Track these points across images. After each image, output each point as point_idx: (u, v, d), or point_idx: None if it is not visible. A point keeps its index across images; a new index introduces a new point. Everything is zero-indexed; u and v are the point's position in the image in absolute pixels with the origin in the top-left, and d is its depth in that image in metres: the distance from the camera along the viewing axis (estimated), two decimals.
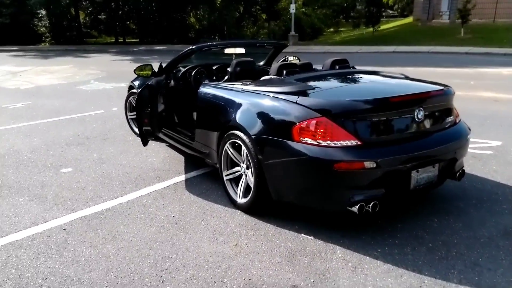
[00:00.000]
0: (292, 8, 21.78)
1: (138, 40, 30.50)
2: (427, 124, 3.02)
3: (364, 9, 28.08)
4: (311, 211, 3.22)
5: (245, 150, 3.21)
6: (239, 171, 3.44)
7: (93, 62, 16.83)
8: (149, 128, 4.30)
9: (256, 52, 5.64)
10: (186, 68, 4.85)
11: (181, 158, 4.70)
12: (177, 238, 3.00)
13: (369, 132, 2.80)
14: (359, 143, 2.72)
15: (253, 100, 3.27)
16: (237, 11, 28.29)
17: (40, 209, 3.51)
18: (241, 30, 28.25)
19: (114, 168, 4.46)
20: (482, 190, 3.65)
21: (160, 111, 4.47)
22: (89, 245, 2.94)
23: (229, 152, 3.46)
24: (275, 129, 3.00)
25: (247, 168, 3.31)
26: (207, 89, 3.86)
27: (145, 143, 4.39)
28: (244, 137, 3.18)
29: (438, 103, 3.09)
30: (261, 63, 5.47)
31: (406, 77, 3.60)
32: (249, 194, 3.26)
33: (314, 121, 2.77)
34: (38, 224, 3.25)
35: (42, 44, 29.62)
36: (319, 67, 4.40)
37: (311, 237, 2.95)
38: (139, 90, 4.26)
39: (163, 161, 4.63)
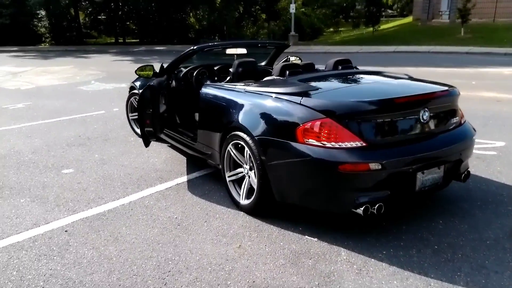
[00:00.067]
0: (292, 8, 21.77)
1: (138, 40, 30.49)
2: (432, 125, 3.00)
3: (364, 9, 28.07)
4: (314, 212, 3.20)
5: (248, 151, 3.18)
6: (242, 172, 3.41)
7: (93, 63, 16.80)
8: (151, 129, 4.27)
9: (258, 52, 5.62)
10: (188, 69, 4.83)
11: (183, 159, 4.68)
12: (180, 240, 2.98)
13: (374, 133, 2.78)
14: (364, 144, 2.70)
15: (256, 101, 3.25)
16: (237, 11, 28.28)
17: (42, 210, 3.48)
18: (241, 30, 28.24)
19: (115, 169, 4.43)
20: (487, 192, 3.62)
21: (162, 112, 4.45)
22: (91, 246, 2.91)
23: (232, 153, 3.44)
24: (278, 130, 2.97)
25: (250, 169, 3.29)
26: (209, 90, 3.83)
27: (147, 144, 4.36)
28: (247, 138, 3.15)
29: (443, 103, 3.07)
30: (263, 63, 5.44)
31: (410, 78, 3.58)
32: (252, 195, 3.23)
33: (318, 122, 2.75)
34: (39, 226, 3.22)
35: (42, 44, 29.61)
36: (321, 67, 4.38)
37: (315, 239, 2.92)
38: (140, 91, 4.23)
39: (165, 162, 4.61)
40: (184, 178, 4.12)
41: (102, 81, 11.36)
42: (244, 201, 3.35)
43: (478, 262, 2.61)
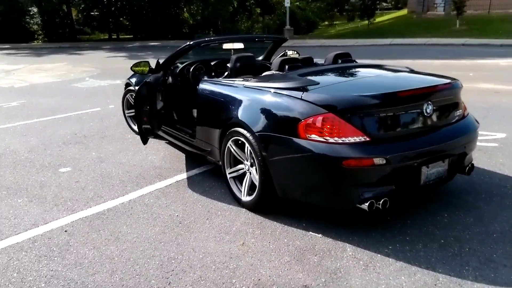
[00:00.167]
0: (287, 2, 21.64)
1: (131, 36, 30.23)
2: (436, 118, 2.96)
3: (359, 2, 27.95)
4: (317, 208, 3.16)
5: (249, 148, 3.14)
6: (243, 168, 3.36)
7: (87, 59, 16.65)
8: (148, 126, 4.21)
9: (255, 47, 5.55)
10: (184, 65, 4.76)
11: (181, 156, 4.62)
12: (182, 238, 2.93)
13: (377, 127, 2.73)
14: (367, 139, 2.65)
15: (256, 97, 3.19)
16: (231, 6, 28.11)
17: (40, 210, 3.42)
18: (235, 25, 28.09)
19: (113, 167, 4.37)
20: (491, 184, 3.60)
21: (159, 108, 4.38)
22: (92, 246, 2.86)
23: (232, 150, 3.39)
24: (280, 126, 2.92)
25: (251, 165, 3.24)
26: (207, 86, 3.78)
27: (145, 141, 4.30)
28: (248, 135, 3.10)
29: (447, 96, 3.02)
30: (260, 58, 5.38)
31: (412, 70, 3.53)
32: (254, 192, 3.19)
33: (320, 118, 2.70)
34: (38, 226, 3.16)
35: (35, 41, 29.33)
36: (320, 61, 4.32)
37: (320, 235, 2.89)
38: (137, 88, 4.16)
39: (164, 159, 4.55)
40: (184, 175, 4.07)
41: (97, 78, 11.25)
42: (245, 198, 3.30)
43: (485, 255, 2.59)
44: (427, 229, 2.92)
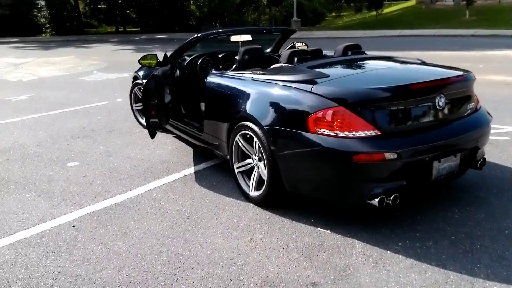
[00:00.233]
0: None
1: (138, 29, 30.20)
2: (448, 111, 2.89)
3: None
4: (325, 203, 3.12)
5: (257, 142, 3.10)
6: (251, 163, 3.33)
7: (94, 53, 16.66)
8: (156, 120, 4.18)
9: (262, 39, 5.49)
10: (192, 57, 4.72)
11: (189, 150, 4.60)
12: (190, 234, 2.91)
13: (388, 121, 2.68)
14: (378, 133, 2.60)
15: (265, 90, 3.15)
16: None
17: (48, 205, 3.42)
18: (242, 17, 27.92)
19: (121, 161, 4.36)
20: (502, 179, 3.54)
21: (167, 102, 4.35)
22: (100, 242, 2.85)
23: (240, 144, 3.35)
24: (289, 120, 2.88)
25: (260, 160, 3.21)
26: (215, 79, 3.73)
27: (153, 135, 4.27)
28: (256, 129, 3.06)
29: (459, 89, 2.96)
30: (268, 50, 5.32)
31: (423, 62, 3.47)
32: (262, 187, 3.15)
33: (330, 111, 2.65)
34: (46, 221, 3.16)
35: (43, 35, 29.40)
36: (329, 53, 4.26)
37: (328, 231, 2.85)
38: (145, 81, 4.13)
39: (171, 153, 4.53)
40: (191, 170, 4.04)
41: (104, 71, 11.25)
42: (253, 193, 3.27)
43: (497, 253, 2.54)
44: (438, 225, 2.87)
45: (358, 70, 3.34)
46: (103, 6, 30.57)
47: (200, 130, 3.98)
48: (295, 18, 22.44)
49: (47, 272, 2.54)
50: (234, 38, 4.56)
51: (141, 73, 5.28)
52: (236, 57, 3.92)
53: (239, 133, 3.29)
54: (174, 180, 3.83)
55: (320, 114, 2.68)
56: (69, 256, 2.69)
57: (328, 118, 2.65)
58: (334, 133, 2.62)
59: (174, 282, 2.41)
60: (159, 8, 27.57)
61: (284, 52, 3.77)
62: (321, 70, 3.16)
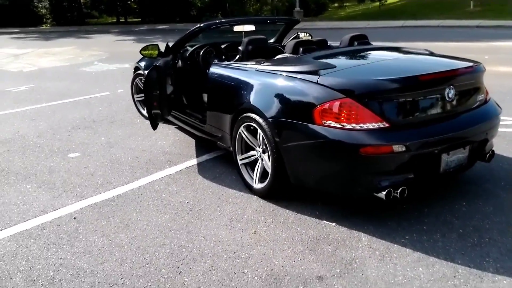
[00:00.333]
0: None
1: (139, 19, 30.02)
2: (458, 103, 2.83)
3: None
4: (330, 195, 3.08)
5: (261, 134, 3.04)
6: (255, 155, 3.28)
7: (95, 43, 16.56)
8: (158, 111, 4.12)
9: (265, 29, 5.41)
10: (194, 48, 4.65)
11: (191, 141, 4.55)
12: (193, 226, 2.87)
13: (397, 113, 2.62)
14: (386, 125, 2.54)
15: (269, 81, 3.09)
16: None
17: (49, 197, 3.38)
18: (243, 7, 27.66)
19: (123, 152, 4.31)
20: (510, 171, 3.48)
21: (169, 93, 4.29)
22: (101, 234, 2.82)
23: (244, 136, 3.30)
24: (294, 112, 2.82)
25: (264, 152, 3.15)
26: (218, 70, 3.67)
27: (154, 127, 4.21)
28: (260, 120, 3.01)
29: (469, 80, 2.89)
30: (271, 40, 5.24)
31: (431, 53, 3.39)
32: (266, 179, 3.11)
33: (337, 103, 2.59)
34: (47, 213, 3.12)
35: (43, 25, 29.25)
36: (335, 44, 4.18)
37: (334, 224, 2.81)
38: (146, 72, 4.06)
39: (173, 145, 4.48)
40: (194, 161, 4.00)
41: (105, 61, 11.17)
42: (257, 185, 3.22)
43: (506, 246, 2.49)
44: (445, 218, 2.82)
45: (365, 61, 3.27)
46: None
47: (203, 121, 3.93)
48: (297, 8, 22.24)
49: (48, 264, 2.51)
50: (237, 28, 4.49)
51: (142, 64, 5.21)
52: (240, 48, 3.85)
53: (243, 125, 3.24)
54: (177, 171, 3.78)
55: (326, 105, 2.62)
56: (70, 248, 2.66)
57: (335, 109, 2.59)
58: (341, 125, 2.57)
59: (177, 275, 2.38)
60: None
61: (289, 42, 3.70)
62: (327, 60, 3.08)
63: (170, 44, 4.37)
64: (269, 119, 2.92)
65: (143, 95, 5.11)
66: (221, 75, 3.60)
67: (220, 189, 3.41)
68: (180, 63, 4.58)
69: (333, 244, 2.59)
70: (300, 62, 3.12)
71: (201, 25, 4.10)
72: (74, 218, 3.04)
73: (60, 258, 2.56)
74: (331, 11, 29.63)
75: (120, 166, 3.94)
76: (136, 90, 5.54)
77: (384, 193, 2.53)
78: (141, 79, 5.24)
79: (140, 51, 4.38)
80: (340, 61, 3.24)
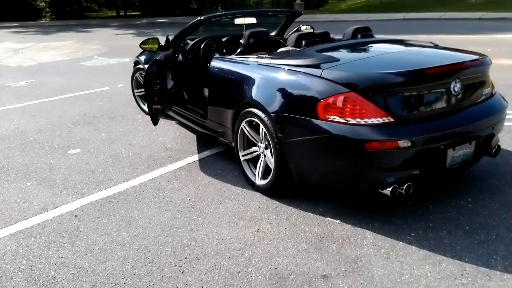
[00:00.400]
0: None
1: (139, 13, 29.84)
2: (464, 97, 2.77)
3: None
4: (334, 192, 3.03)
5: (264, 129, 3.00)
6: (257, 151, 3.23)
7: (95, 37, 16.46)
8: (159, 106, 4.07)
9: (266, 22, 5.34)
10: (194, 41, 4.58)
11: (192, 137, 4.50)
12: (195, 224, 2.83)
13: (402, 107, 2.57)
14: (391, 120, 2.49)
15: (272, 75, 3.03)
16: None
17: (49, 194, 3.34)
18: (244, 0, 27.51)
19: (123, 148, 4.27)
20: None
21: (170, 88, 4.23)
22: (103, 232, 2.78)
23: (246, 131, 3.25)
24: (297, 106, 2.77)
25: (266, 148, 3.11)
26: (219, 64, 3.61)
27: (155, 122, 4.16)
28: (263, 115, 2.96)
29: (475, 74, 2.84)
30: (273, 33, 5.17)
31: (436, 46, 3.33)
32: (269, 175, 3.06)
33: (341, 97, 2.54)
34: (47, 210, 3.09)
35: (43, 19, 29.09)
36: (337, 36, 4.12)
37: (338, 221, 2.77)
38: (146, 66, 4.00)
39: (174, 140, 4.43)
40: (195, 157, 3.95)
41: (105, 56, 11.09)
42: (260, 182, 3.18)
43: None
44: (451, 214, 2.78)
45: (370, 54, 3.21)
46: None
47: (204, 116, 3.87)
48: (298, 1, 22.07)
49: (49, 263, 2.47)
50: (238, 21, 4.41)
51: (142, 58, 5.15)
52: (241, 41, 3.79)
53: (245, 120, 3.19)
54: (178, 168, 3.74)
55: (330, 100, 2.57)
56: (71, 247, 2.62)
57: (339, 104, 2.54)
58: (345, 120, 2.52)
59: (180, 274, 2.34)
60: None
61: (291, 35, 3.63)
62: (330, 53, 3.02)
63: (170, 38, 4.31)
64: (272, 114, 2.87)
65: (143, 90, 5.05)
66: (222, 69, 3.54)
67: (222, 185, 3.37)
68: (180, 57, 4.52)
69: (337, 242, 2.56)
70: (303, 56, 3.06)
71: (202, 18, 4.04)
72: (75, 216, 3.00)
73: (61, 257, 2.53)
74: (332, 4, 29.41)
75: (121, 163, 3.90)
76: (136, 85, 5.48)
77: (390, 189, 2.49)
78: (141, 74, 5.19)
79: (140, 45, 4.31)
80: (344, 54, 3.18)
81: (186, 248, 2.57)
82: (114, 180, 3.55)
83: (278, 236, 2.64)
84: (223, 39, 4.55)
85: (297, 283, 2.22)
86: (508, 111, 4.67)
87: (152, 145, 4.32)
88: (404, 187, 2.51)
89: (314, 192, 3.08)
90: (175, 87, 4.38)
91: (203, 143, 4.27)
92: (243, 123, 3.22)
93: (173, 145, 4.30)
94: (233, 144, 3.44)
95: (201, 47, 4.44)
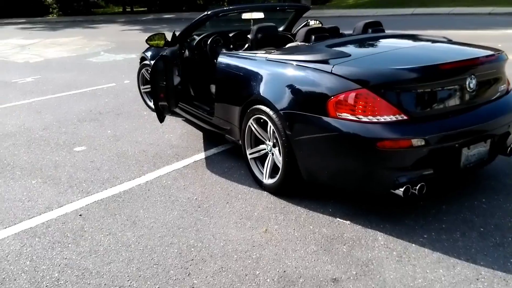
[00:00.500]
0: None
1: (146, 9, 29.78)
2: (479, 94, 2.68)
3: None
4: (343, 191, 2.96)
5: (272, 127, 2.92)
6: (265, 149, 3.16)
7: (101, 33, 16.43)
8: (165, 103, 4.00)
9: (274, 17, 5.25)
10: (201, 37, 4.51)
11: (199, 134, 4.44)
12: (202, 224, 2.77)
13: (415, 104, 2.48)
14: (404, 117, 2.40)
15: (280, 71, 2.95)
16: None
17: (54, 192, 3.30)
18: None
19: (129, 145, 4.22)
20: None
21: (176, 84, 4.16)
22: (108, 232, 2.73)
23: (253, 129, 3.18)
24: (306, 103, 2.69)
25: (274, 146, 3.04)
26: (226, 59, 3.54)
27: (161, 119, 4.10)
28: (271, 113, 2.88)
29: (491, 70, 2.73)
30: (280, 28, 5.08)
31: (450, 41, 3.23)
32: (277, 174, 2.99)
33: (353, 94, 2.46)
34: (52, 209, 3.04)
35: (50, 15, 29.14)
36: (347, 32, 4.03)
37: (348, 222, 2.69)
38: (153, 62, 3.94)
39: (181, 138, 4.37)
40: (202, 155, 3.89)
41: (112, 52, 11.05)
42: (267, 181, 3.11)
43: None
44: (465, 216, 2.69)
45: (381, 49, 3.12)
46: None
47: (211, 113, 3.81)
48: None
49: (53, 264, 2.43)
50: (245, 15, 4.33)
51: (149, 54, 5.09)
52: (249, 36, 3.71)
53: (252, 117, 3.12)
54: (184, 166, 3.68)
55: (341, 97, 2.49)
56: (76, 248, 2.57)
57: (350, 101, 2.46)
58: (357, 117, 2.43)
59: (186, 276, 2.28)
60: None
61: (300, 30, 3.55)
62: (341, 49, 2.93)
63: (177, 33, 4.23)
64: (280, 111, 2.79)
65: (149, 86, 5.00)
66: (229, 65, 3.47)
67: (229, 184, 3.30)
68: (187, 52, 4.45)
69: (348, 243, 2.48)
70: (312, 51, 2.98)
71: (209, 12, 3.96)
72: (80, 215, 2.95)
73: (65, 258, 2.48)
74: None
75: (126, 161, 3.85)
76: (142, 81, 5.42)
77: (402, 189, 2.40)
78: (147, 70, 5.13)
79: (146, 41, 4.25)
80: (355, 50, 3.09)
81: (192, 249, 2.51)
82: (120, 178, 3.50)
83: (287, 237, 2.58)
84: (230, 35, 4.47)
85: (307, 287, 2.15)
86: None
87: (158, 142, 4.27)
88: (417, 187, 2.42)
89: (323, 192, 3.01)
90: (181, 84, 4.31)
91: (209, 141, 4.21)
92: (251, 121, 3.15)
93: (180, 142, 4.24)
94: (240, 142, 3.37)
95: (208, 42, 4.37)
